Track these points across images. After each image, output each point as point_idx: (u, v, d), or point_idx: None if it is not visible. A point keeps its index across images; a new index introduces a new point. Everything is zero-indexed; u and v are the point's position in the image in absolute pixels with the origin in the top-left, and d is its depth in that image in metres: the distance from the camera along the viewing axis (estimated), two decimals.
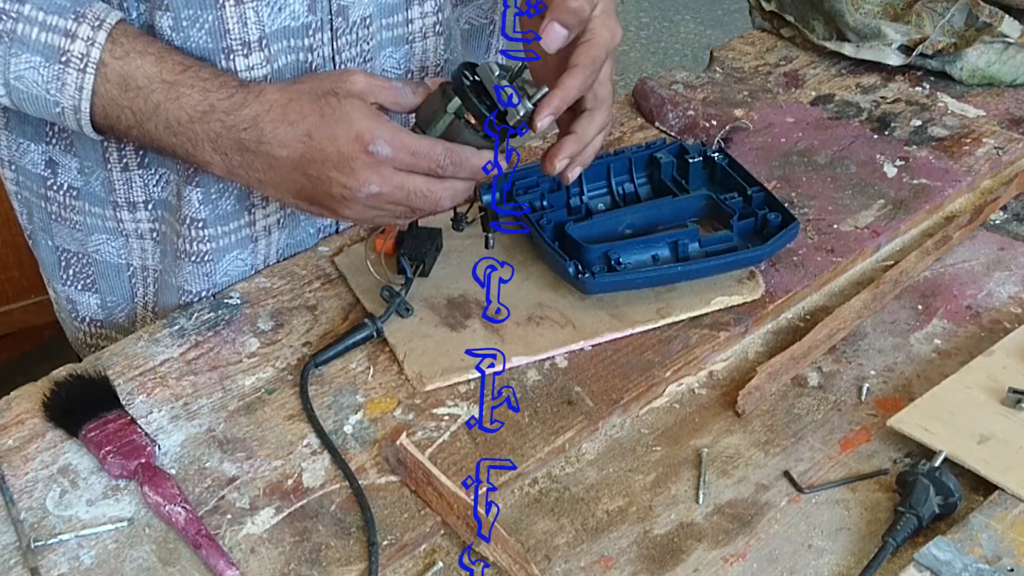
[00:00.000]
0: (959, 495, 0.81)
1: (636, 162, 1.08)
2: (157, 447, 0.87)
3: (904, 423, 0.87)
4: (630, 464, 0.88)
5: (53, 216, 1.08)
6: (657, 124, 1.24)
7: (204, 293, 1.05)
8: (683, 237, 1.00)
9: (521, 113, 0.88)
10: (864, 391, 0.93)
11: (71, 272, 1.11)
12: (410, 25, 1.03)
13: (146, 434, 0.87)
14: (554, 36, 0.88)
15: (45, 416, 0.89)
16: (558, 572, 0.80)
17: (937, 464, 0.82)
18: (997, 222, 1.10)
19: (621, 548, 0.81)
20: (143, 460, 0.85)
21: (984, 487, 0.82)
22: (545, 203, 1.05)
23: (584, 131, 0.92)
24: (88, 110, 0.89)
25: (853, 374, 0.95)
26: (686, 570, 0.80)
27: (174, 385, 0.93)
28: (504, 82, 0.88)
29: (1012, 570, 0.76)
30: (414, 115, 0.91)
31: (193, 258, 1.03)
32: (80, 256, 1.09)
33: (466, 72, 0.89)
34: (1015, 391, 0.88)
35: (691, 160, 1.07)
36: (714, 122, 1.23)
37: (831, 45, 1.34)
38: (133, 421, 0.88)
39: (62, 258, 1.11)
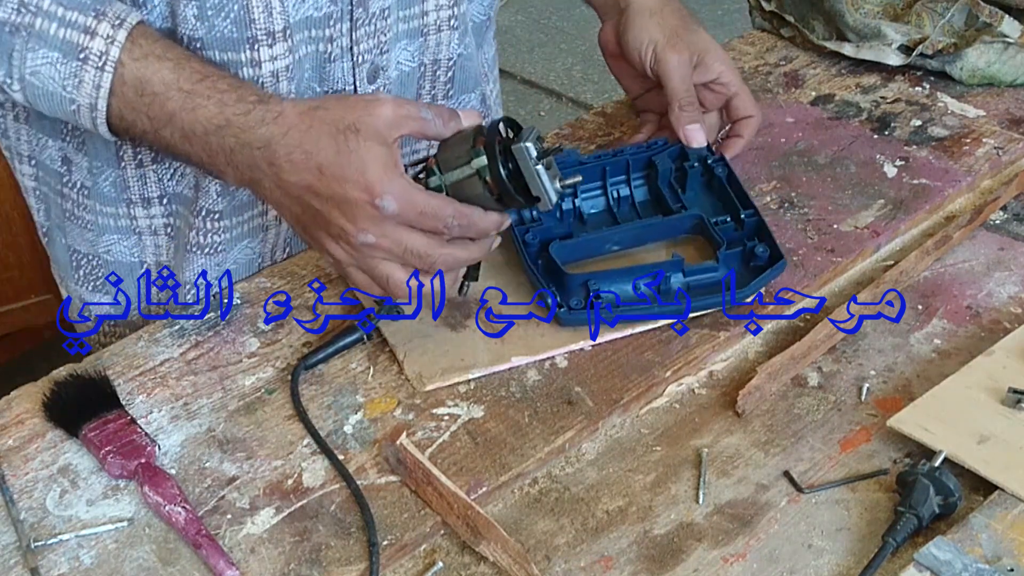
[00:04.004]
0: (959, 495, 0.81)
1: (634, 164, 1.07)
2: (157, 447, 0.87)
3: (904, 423, 0.87)
4: (630, 464, 0.88)
5: (67, 214, 1.08)
6: None
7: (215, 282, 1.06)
8: (667, 268, 0.97)
9: (553, 202, 0.87)
10: (864, 391, 0.93)
11: (82, 273, 1.11)
12: (425, 18, 1.03)
13: (146, 434, 0.87)
14: (695, 137, 1.06)
15: (45, 416, 0.89)
16: (558, 572, 0.80)
17: (937, 464, 0.82)
18: (997, 222, 1.10)
19: (621, 548, 0.81)
20: (143, 460, 0.85)
21: (984, 487, 0.82)
22: (535, 213, 1.02)
23: (749, 135, 1.11)
24: (104, 109, 0.88)
25: (853, 374, 0.95)
26: (686, 570, 0.80)
27: (174, 385, 0.93)
28: (540, 166, 0.86)
29: (1012, 570, 0.76)
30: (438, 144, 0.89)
31: (206, 250, 1.04)
32: (91, 257, 1.10)
33: (503, 128, 0.87)
34: (1015, 391, 0.88)
35: (690, 168, 1.06)
36: None
37: (831, 45, 1.34)
38: (133, 421, 0.88)
39: (74, 258, 1.11)
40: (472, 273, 0.94)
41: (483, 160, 0.85)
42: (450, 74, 1.09)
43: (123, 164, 1.02)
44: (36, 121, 1.04)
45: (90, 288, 1.12)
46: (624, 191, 1.07)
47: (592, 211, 1.06)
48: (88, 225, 1.07)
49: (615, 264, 1.00)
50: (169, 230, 1.06)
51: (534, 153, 0.85)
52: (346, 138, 0.84)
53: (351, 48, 0.99)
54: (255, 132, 0.86)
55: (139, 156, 1.01)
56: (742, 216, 1.01)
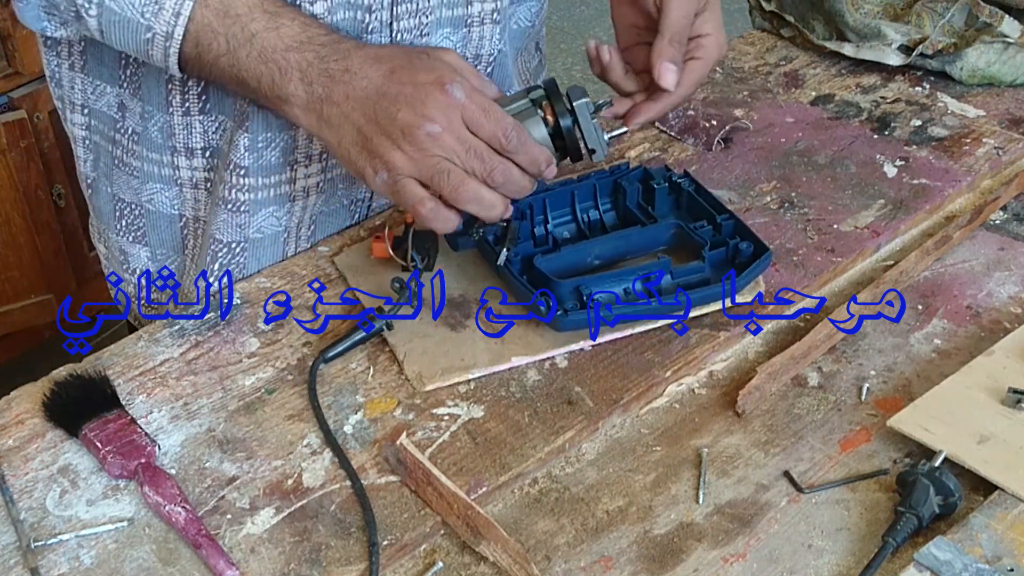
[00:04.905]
0: (959, 495, 0.81)
1: (601, 188, 1.05)
2: (157, 447, 0.87)
3: (904, 423, 0.87)
4: (630, 464, 0.88)
5: (116, 161, 1.10)
6: (657, 124, 1.24)
7: (234, 245, 1.06)
8: (655, 269, 0.96)
9: (604, 156, 0.95)
10: (864, 391, 0.93)
11: (124, 223, 1.13)
12: (469, 7, 1.04)
13: (146, 434, 0.87)
14: (668, 76, 0.99)
15: (45, 416, 0.89)
16: (558, 572, 0.80)
17: (937, 464, 0.82)
18: (997, 222, 1.10)
19: (621, 548, 0.81)
20: (143, 460, 0.85)
21: (984, 487, 0.83)
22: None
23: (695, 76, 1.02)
24: (181, 37, 0.90)
25: (853, 374, 0.95)
26: (686, 570, 0.80)
27: (174, 385, 0.93)
28: (595, 120, 0.93)
29: (1012, 570, 0.76)
30: None
31: (230, 206, 1.05)
32: (134, 207, 1.11)
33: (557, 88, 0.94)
34: (1015, 391, 0.88)
35: (656, 186, 1.05)
36: (714, 122, 1.24)
37: (831, 45, 1.34)
38: (133, 421, 0.88)
39: (117, 207, 1.13)
40: (511, 236, 0.97)
41: (540, 92, 0.92)
42: (489, 70, 1.10)
43: (171, 110, 1.03)
44: (94, 68, 1.06)
45: (131, 239, 1.14)
46: (594, 215, 1.06)
47: (565, 236, 1.05)
48: (134, 172, 1.09)
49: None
50: (208, 184, 1.08)
51: (592, 108, 0.93)
52: (418, 55, 0.90)
53: (391, 24, 1.00)
54: (336, 47, 0.90)
55: (187, 104, 1.03)
56: (718, 220, 1.01)
